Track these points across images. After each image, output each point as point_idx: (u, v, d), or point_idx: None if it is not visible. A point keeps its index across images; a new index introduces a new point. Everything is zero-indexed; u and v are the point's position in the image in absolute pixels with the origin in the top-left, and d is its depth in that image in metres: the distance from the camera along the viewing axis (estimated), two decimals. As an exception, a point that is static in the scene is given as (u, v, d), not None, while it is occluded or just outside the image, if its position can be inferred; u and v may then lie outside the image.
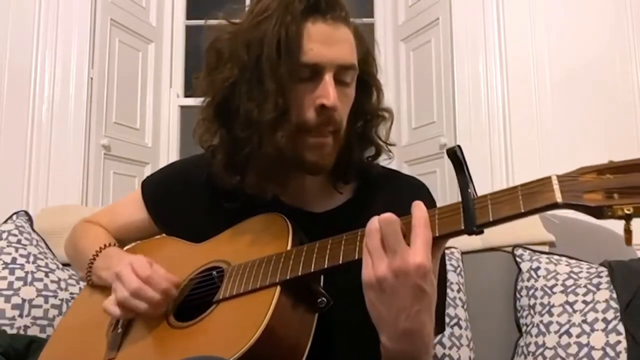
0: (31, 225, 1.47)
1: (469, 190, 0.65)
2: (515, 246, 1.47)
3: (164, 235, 1.02)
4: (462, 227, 0.64)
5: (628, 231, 0.58)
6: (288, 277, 0.73)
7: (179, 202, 0.98)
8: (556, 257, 1.41)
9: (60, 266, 1.40)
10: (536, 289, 1.35)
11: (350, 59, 0.83)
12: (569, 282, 1.32)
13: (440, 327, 0.89)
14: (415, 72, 2.86)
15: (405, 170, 2.72)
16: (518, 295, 1.40)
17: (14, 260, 1.34)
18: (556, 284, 1.33)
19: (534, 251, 1.45)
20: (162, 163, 2.92)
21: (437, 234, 0.65)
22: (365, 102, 0.90)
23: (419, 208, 0.67)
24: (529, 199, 0.61)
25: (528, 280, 1.38)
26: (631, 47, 2.46)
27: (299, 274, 0.72)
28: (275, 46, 0.77)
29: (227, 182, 0.86)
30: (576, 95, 2.44)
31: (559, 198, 0.59)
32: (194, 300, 0.83)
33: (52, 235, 1.47)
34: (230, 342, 0.68)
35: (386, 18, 3.03)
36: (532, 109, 2.46)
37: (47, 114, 2.43)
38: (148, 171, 2.86)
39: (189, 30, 3.11)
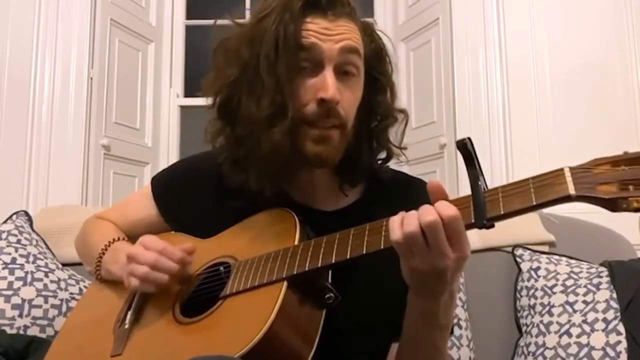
0: (31, 225, 1.47)
1: (480, 183, 0.63)
2: (515, 246, 1.46)
3: (171, 232, 1.02)
4: (473, 221, 0.62)
5: None
6: (295, 272, 0.72)
7: (188, 198, 0.98)
8: (556, 257, 1.41)
9: (60, 266, 1.40)
10: (536, 289, 1.35)
11: (351, 43, 0.81)
12: (569, 282, 1.32)
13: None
14: (415, 72, 2.86)
15: (405, 170, 2.70)
16: (518, 295, 1.40)
17: (13, 260, 1.33)
18: (556, 284, 1.33)
19: (534, 251, 1.44)
20: (162, 163, 2.92)
21: None
22: (377, 101, 0.88)
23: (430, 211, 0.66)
24: (541, 191, 0.59)
25: (528, 280, 1.38)
26: (631, 47, 2.45)
27: (306, 269, 0.72)
28: (273, 43, 0.77)
29: (233, 180, 0.86)
30: (576, 95, 2.44)
31: (572, 190, 0.57)
32: (201, 295, 0.83)
33: (52, 235, 1.47)
34: (237, 338, 0.68)
35: (386, 18, 3.03)
36: (532, 109, 2.45)
37: (47, 113, 2.43)
38: (148, 171, 2.85)
39: (189, 30, 3.11)
